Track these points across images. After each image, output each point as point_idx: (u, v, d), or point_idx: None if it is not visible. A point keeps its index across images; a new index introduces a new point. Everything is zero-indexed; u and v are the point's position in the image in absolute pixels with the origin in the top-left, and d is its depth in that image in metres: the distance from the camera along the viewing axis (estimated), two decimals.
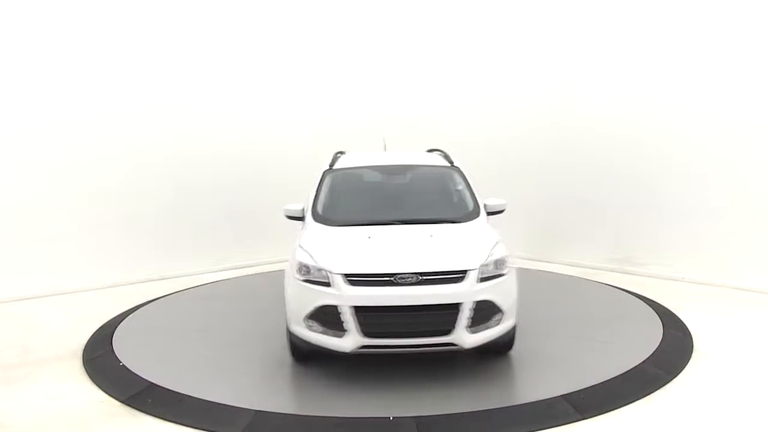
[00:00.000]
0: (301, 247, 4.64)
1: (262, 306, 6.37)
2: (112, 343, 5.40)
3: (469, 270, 4.23)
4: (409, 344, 4.22)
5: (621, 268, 8.03)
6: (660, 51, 7.57)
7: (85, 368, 4.88)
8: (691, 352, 4.95)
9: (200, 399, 4.17)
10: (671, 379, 4.37)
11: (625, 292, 6.87)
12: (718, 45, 7.05)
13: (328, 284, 4.24)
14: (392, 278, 4.16)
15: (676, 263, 7.53)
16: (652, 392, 4.15)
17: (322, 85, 9.58)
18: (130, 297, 7.06)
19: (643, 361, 4.66)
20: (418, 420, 3.77)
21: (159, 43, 8.14)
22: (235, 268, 8.51)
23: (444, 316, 4.14)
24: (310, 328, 4.33)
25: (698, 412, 3.88)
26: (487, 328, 4.30)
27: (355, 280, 4.19)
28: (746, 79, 6.86)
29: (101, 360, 5.04)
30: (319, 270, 4.32)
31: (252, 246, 8.75)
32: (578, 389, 4.15)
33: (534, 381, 4.51)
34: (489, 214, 5.20)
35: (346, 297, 4.15)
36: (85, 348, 5.37)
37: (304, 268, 4.41)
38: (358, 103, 9.85)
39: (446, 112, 9.89)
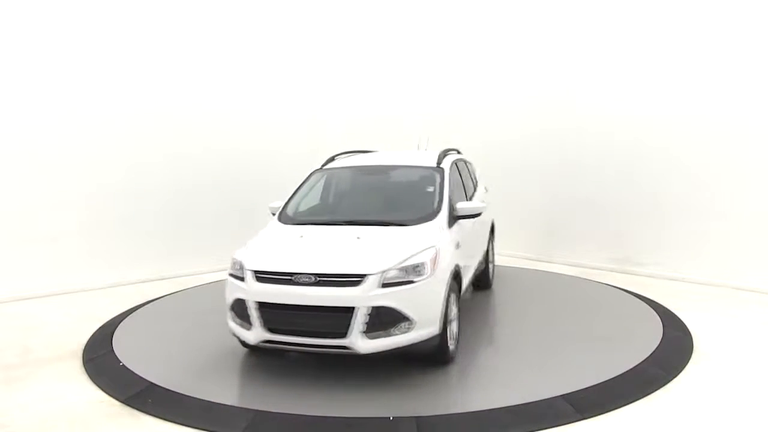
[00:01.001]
0: (246, 243, 4.89)
1: None
2: (112, 343, 5.40)
3: (368, 274, 4.14)
4: (307, 343, 4.27)
5: (621, 268, 8.03)
6: (660, 51, 7.57)
7: (85, 368, 4.88)
8: (691, 352, 4.95)
9: (200, 399, 4.17)
10: (671, 379, 4.37)
11: (625, 292, 6.88)
12: (718, 46, 7.05)
13: (243, 279, 4.46)
14: (291, 277, 4.25)
15: (676, 263, 7.53)
16: (652, 392, 4.15)
17: (324, 85, 9.59)
18: (130, 297, 7.06)
19: (643, 361, 4.66)
20: (418, 420, 3.77)
21: (159, 42, 8.14)
22: None
23: (338, 318, 4.12)
24: (231, 319, 4.61)
25: (698, 412, 3.88)
26: (389, 335, 4.15)
27: (261, 276, 4.36)
28: (745, 79, 6.85)
29: (101, 360, 5.04)
30: (240, 266, 4.52)
31: None
32: (578, 389, 4.14)
33: (534, 381, 4.51)
34: (461, 217, 5.12)
35: (252, 292, 4.34)
36: (85, 348, 5.37)
37: (234, 264, 4.64)
38: (358, 103, 9.87)
39: (448, 112, 9.90)
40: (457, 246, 4.95)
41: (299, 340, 4.27)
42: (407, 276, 4.22)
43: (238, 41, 8.83)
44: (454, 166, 5.97)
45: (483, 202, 6.04)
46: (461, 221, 5.22)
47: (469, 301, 6.61)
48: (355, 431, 3.74)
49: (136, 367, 4.77)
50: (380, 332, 4.13)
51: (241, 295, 4.40)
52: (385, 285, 4.14)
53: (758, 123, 6.77)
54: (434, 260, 4.36)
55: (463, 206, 5.16)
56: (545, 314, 6.22)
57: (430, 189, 5.35)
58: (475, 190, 6.65)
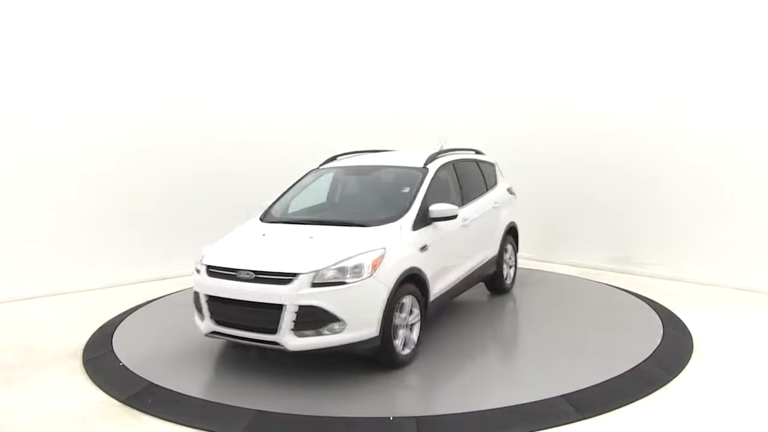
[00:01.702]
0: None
1: None
2: (112, 343, 5.40)
3: (299, 274, 4.22)
4: (246, 337, 4.45)
5: (621, 268, 8.03)
6: (660, 51, 7.57)
7: (85, 368, 4.88)
8: (691, 352, 4.95)
9: (200, 399, 4.18)
10: (671, 379, 4.37)
11: (625, 292, 6.88)
12: (719, 46, 7.05)
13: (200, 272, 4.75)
14: (235, 273, 4.46)
15: (676, 263, 7.53)
16: (652, 392, 4.15)
17: (326, 84, 9.56)
18: (130, 297, 7.06)
19: (643, 361, 4.66)
20: (418, 420, 3.77)
21: (158, 41, 8.13)
22: None
23: (270, 315, 4.24)
24: (196, 310, 4.86)
25: (698, 412, 3.88)
26: (319, 334, 4.21)
27: (211, 271, 4.62)
28: (746, 79, 6.85)
29: (101, 360, 5.04)
30: (200, 260, 4.80)
31: None
32: (578, 389, 4.14)
33: (534, 381, 4.51)
34: (435, 219, 5.09)
35: (203, 285, 4.64)
36: (85, 348, 5.37)
37: (198, 258, 4.89)
38: (359, 102, 9.85)
39: (446, 111, 9.90)
40: (423, 249, 4.89)
41: (239, 333, 4.48)
42: (342, 277, 4.25)
43: (241, 39, 8.81)
44: (448, 167, 5.87)
45: (496, 202, 6.46)
46: (438, 224, 5.14)
47: (469, 302, 6.61)
48: (355, 431, 3.74)
49: (136, 367, 4.77)
50: (309, 331, 4.21)
51: (196, 288, 4.73)
52: (316, 285, 4.21)
53: (758, 123, 6.77)
54: (376, 262, 4.35)
55: (435, 209, 5.06)
56: (545, 314, 6.23)
57: (406, 190, 5.35)
58: (487, 191, 6.49)
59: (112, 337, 5.60)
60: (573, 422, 3.75)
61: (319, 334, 4.22)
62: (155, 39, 8.10)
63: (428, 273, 4.91)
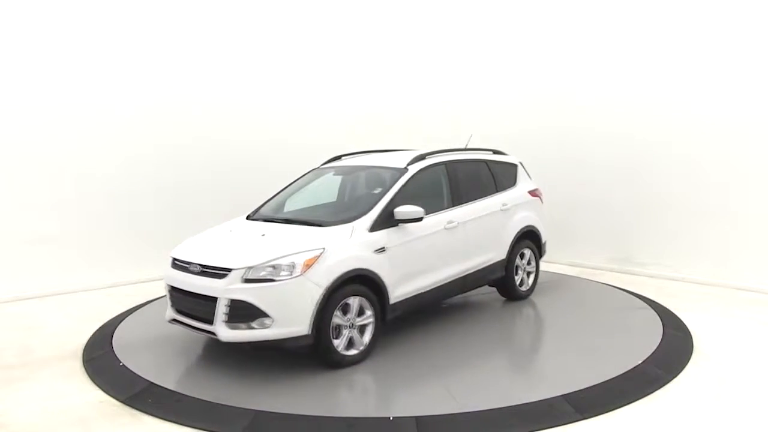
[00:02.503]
0: None
1: None
2: (112, 343, 5.40)
3: (232, 269, 4.45)
4: (193, 325, 4.76)
5: (621, 268, 8.03)
6: (662, 50, 7.57)
7: (85, 368, 4.88)
8: (691, 352, 4.95)
9: (200, 399, 4.17)
10: (671, 379, 4.37)
11: (625, 292, 6.88)
12: (719, 45, 7.05)
13: None
14: (188, 266, 4.77)
15: (676, 263, 7.53)
16: (652, 392, 4.15)
17: (327, 83, 9.55)
18: (130, 297, 7.06)
19: (643, 361, 4.66)
20: (418, 420, 3.77)
21: (159, 40, 8.12)
22: None
23: (209, 306, 4.52)
24: None
25: (698, 412, 3.88)
26: (250, 328, 4.40)
27: (174, 263, 4.98)
28: (746, 79, 6.85)
29: (101, 360, 5.05)
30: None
31: None
32: (578, 389, 4.14)
33: (534, 381, 4.51)
34: (401, 221, 5.06)
35: (167, 276, 5.01)
36: (85, 348, 5.37)
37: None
38: (360, 100, 9.84)
39: (449, 109, 9.90)
40: (380, 251, 4.89)
41: (189, 322, 4.79)
42: (273, 274, 4.41)
43: (241, 38, 8.80)
44: (438, 167, 5.79)
45: (505, 204, 6.24)
46: (408, 226, 5.11)
47: (470, 302, 6.61)
48: (355, 431, 3.74)
49: (136, 367, 4.77)
50: (240, 324, 4.43)
51: (164, 279, 5.08)
52: (247, 281, 4.41)
53: (759, 123, 6.77)
54: (309, 262, 4.46)
55: (400, 210, 5.04)
56: (545, 314, 6.23)
57: (377, 191, 5.39)
58: (496, 193, 6.29)
59: (112, 337, 5.60)
60: (573, 422, 3.75)
61: (250, 327, 4.41)
62: (155, 39, 8.10)
63: (386, 275, 4.90)
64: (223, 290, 4.43)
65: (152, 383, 4.46)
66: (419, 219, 5.09)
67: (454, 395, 4.13)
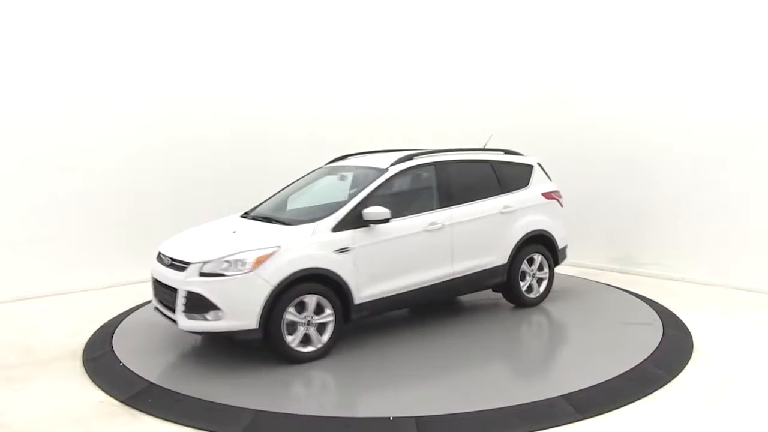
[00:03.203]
0: None
1: None
2: (112, 343, 5.41)
3: (191, 263, 4.73)
4: (166, 314, 5.02)
5: (621, 268, 8.03)
6: (661, 50, 7.57)
7: (85, 368, 4.88)
8: (691, 352, 4.95)
9: (200, 399, 4.17)
10: (671, 379, 4.37)
11: (625, 292, 6.88)
12: (720, 46, 7.04)
13: None
14: (163, 259, 5.08)
15: (676, 263, 7.53)
16: (652, 392, 4.15)
17: (329, 82, 9.52)
18: (130, 297, 7.06)
19: (643, 361, 4.66)
20: (418, 420, 3.77)
21: (157, 37, 8.11)
22: None
23: (172, 296, 4.80)
24: None
25: (698, 412, 3.88)
26: (204, 319, 4.66)
27: (158, 255, 5.26)
28: (747, 79, 6.85)
29: (101, 360, 5.05)
30: None
31: None
32: (578, 389, 4.14)
33: (534, 381, 4.51)
34: (371, 222, 5.06)
35: (152, 267, 5.27)
36: (85, 348, 5.37)
37: None
38: (368, 97, 9.80)
39: (443, 107, 9.88)
40: (343, 251, 4.94)
41: (162, 309, 5.09)
42: (226, 269, 4.62)
43: (243, 35, 8.78)
44: (424, 168, 5.73)
45: (508, 206, 6.00)
46: (379, 227, 5.11)
47: (471, 303, 6.61)
48: (355, 431, 3.74)
49: (136, 367, 4.77)
50: (196, 315, 4.68)
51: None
52: (202, 274, 4.65)
53: (759, 122, 6.77)
54: (260, 259, 4.62)
55: (368, 211, 5.06)
56: (545, 314, 6.22)
57: (353, 191, 5.44)
58: (500, 194, 6.08)
59: (112, 337, 5.60)
60: (573, 422, 3.75)
61: (204, 318, 4.65)
62: (154, 37, 8.09)
63: (348, 275, 4.95)
64: (182, 282, 4.71)
65: (152, 383, 4.46)
66: (386, 220, 5.08)
67: (453, 395, 4.13)
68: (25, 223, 7.24)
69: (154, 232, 8.02)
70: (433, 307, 6.33)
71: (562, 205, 6.69)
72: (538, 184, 6.51)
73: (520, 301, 6.29)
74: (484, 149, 6.50)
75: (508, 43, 9.21)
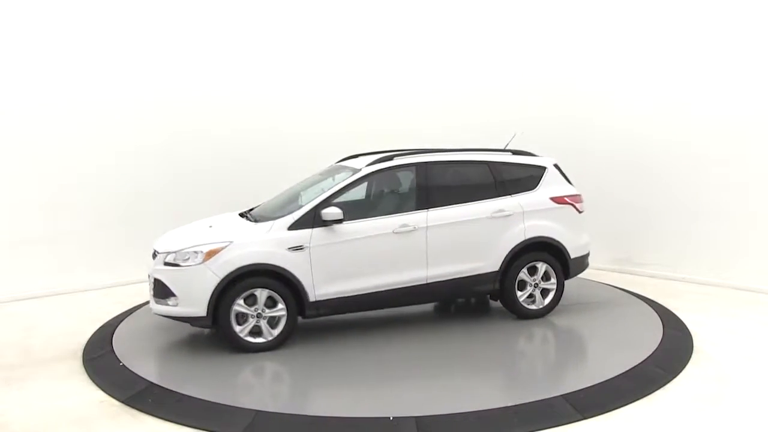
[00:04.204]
0: None
1: None
2: (112, 343, 5.40)
3: (159, 253, 5.19)
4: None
5: (621, 268, 8.03)
6: (663, 50, 7.57)
7: (85, 368, 4.89)
8: (691, 352, 4.95)
9: (200, 399, 4.17)
10: (671, 379, 4.37)
11: (625, 292, 6.88)
12: (720, 46, 7.04)
13: None
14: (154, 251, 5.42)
15: (676, 263, 7.53)
16: (652, 392, 4.15)
17: (331, 81, 9.48)
18: (130, 297, 7.06)
19: (643, 361, 4.66)
20: (418, 420, 3.77)
21: (160, 37, 8.12)
22: None
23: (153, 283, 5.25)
24: None
25: (698, 412, 3.88)
26: (166, 304, 5.10)
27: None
28: (747, 79, 6.85)
29: (101, 360, 5.05)
30: None
31: None
32: (578, 389, 4.14)
33: (534, 381, 4.51)
34: (328, 222, 5.15)
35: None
36: (85, 348, 5.37)
37: None
38: (363, 95, 9.75)
39: (441, 105, 9.84)
40: (297, 249, 5.09)
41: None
42: (183, 260, 5.02)
43: (245, 36, 8.76)
44: (404, 169, 5.66)
45: (502, 210, 5.65)
46: (340, 227, 5.19)
47: (471, 303, 6.61)
48: (355, 431, 3.74)
49: (136, 367, 4.77)
50: (161, 300, 5.13)
51: None
52: (166, 264, 5.08)
53: (759, 122, 6.77)
54: (211, 253, 4.96)
55: (324, 212, 5.17)
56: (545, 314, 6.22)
57: (322, 190, 5.55)
58: (496, 197, 5.75)
59: (112, 337, 5.60)
60: (573, 422, 3.75)
61: (166, 304, 5.08)
62: (153, 37, 8.09)
63: (302, 272, 5.10)
64: (152, 270, 5.20)
65: (152, 383, 4.45)
66: (339, 221, 5.16)
67: (453, 395, 4.13)
68: (25, 223, 7.24)
69: (154, 232, 8.03)
70: (410, 309, 6.24)
71: (580, 211, 6.10)
72: (549, 187, 6.01)
73: (519, 313, 5.86)
74: (488, 149, 6.14)
75: (512, 43, 9.17)
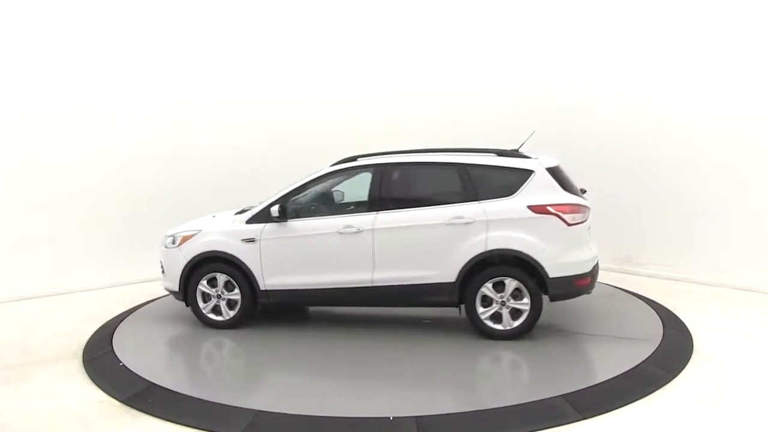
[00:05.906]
0: None
1: None
2: (112, 343, 5.41)
3: (165, 236, 6.08)
4: None
5: (621, 268, 8.03)
6: (661, 49, 7.57)
7: (85, 368, 4.89)
8: (691, 352, 4.95)
9: (200, 399, 4.17)
10: (671, 379, 4.37)
11: (625, 292, 6.88)
12: (720, 45, 7.04)
13: None
14: None
15: (676, 263, 7.53)
16: (652, 392, 4.15)
17: (331, 80, 9.48)
18: (130, 297, 7.06)
19: (643, 361, 4.66)
20: (418, 420, 3.77)
21: (160, 39, 8.11)
22: None
23: None
24: None
25: (698, 412, 3.88)
26: (162, 279, 6.13)
27: None
28: (748, 78, 6.84)
29: (101, 360, 5.05)
30: None
31: None
32: (578, 389, 4.14)
33: (534, 381, 4.52)
34: (272, 218, 5.54)
35: None
36: (85, 348, 5.37)
37: None
38: (363, 94, 9.74)
39: (440, 104, 9.83)
40: (249, 241, 5.59)
41: None
42: (171, 244, 5.90)
43: (246, 37, 8.74)
44: (361, 170, 5.63)
45: (462, 217, 5.13)
46: (291, 223, 5.54)
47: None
48: (355, 431, 3.74)
49: (136, 367, 4.77)
50: (162, 275, 6.08)
51: None
52: (165, 246, 5.97)
53: (759, 122, 6.76)
54: (184, 238, 5.82)
55: (272, 209, 5.55)
56: (545, 314, 6.21)
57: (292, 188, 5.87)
58: (464, 202, 5.23)
59: (112, 337, 5.60)
60: (573, 422, 3.75)
61: (162, 278, 6.06)
62: (154, 39, 8.08)
63: (252, 262, 5.58)
64: (159, 251, 6.10)
65: (152, 383, 4.46)
66: (278, 218, 5.54)
67: (453, 395, 4.13)
68: (25, 223, 7.24)
69: (154, 233, 8.04)
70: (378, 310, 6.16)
71: (569, 224, 5.18)
72: (531, 194, 5.18)
73: (482, 331, 5.23)
74: (469, 150, 5.65)
75: (512, 43, 9.16)
